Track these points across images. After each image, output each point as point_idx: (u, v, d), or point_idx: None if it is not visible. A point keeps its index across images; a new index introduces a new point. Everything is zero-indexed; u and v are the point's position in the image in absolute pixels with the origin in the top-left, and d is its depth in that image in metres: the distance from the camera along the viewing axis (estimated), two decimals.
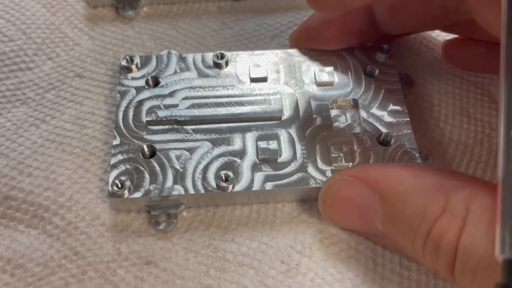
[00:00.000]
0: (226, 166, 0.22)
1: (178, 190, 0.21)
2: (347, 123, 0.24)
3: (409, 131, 0.23)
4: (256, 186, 0.21)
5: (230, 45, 0.27)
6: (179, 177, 0.21)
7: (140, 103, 0.23)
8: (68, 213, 0.22)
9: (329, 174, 0.22)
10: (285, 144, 0.23)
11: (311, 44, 0.25)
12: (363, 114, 0.23)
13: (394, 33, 0.25)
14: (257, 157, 0.22)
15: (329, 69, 0.25)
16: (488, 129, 0.25)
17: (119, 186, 0.21)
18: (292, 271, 0.20)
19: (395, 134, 0.23)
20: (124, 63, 0.24)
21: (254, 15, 0.29)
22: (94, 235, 0.21)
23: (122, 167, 0.22)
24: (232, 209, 0.22)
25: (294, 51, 0.25)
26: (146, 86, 0.24)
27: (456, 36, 0.26)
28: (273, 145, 0.22)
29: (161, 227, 0.21)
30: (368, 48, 0.25)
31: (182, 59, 0.25)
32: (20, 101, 0.25)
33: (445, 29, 0.25)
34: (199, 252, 0.21)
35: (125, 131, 0.23)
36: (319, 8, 0.22)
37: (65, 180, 0.23)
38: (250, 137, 0.23)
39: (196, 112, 0.23)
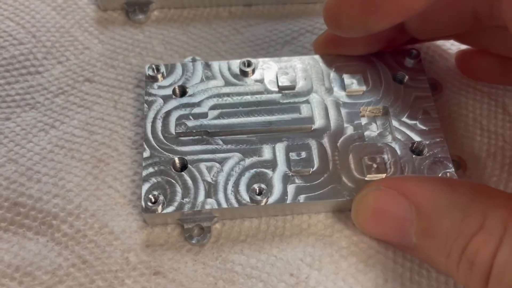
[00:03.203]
0: (258, 178, 0.22)
1: (211, 204, 0.21)
2: (378, 132, 0.23)
3: (441, 139, 0.23)
4: (289, 199, 0.21)
5: (241, 51, 0.27)
6: (212, 191, 0.21)
7: (168, 113, 0.23)
8: (77, 221, 0.22)
9: (363, 185, 0.21)
10: (317, 154, 0.22)
11: (337, 50, 0.25)
12: (394, 122, 0.23)
13: (422, 38, 0.25)
14: (289, 169, 0.22)
15: (358, 75, 0.24)
16: (502, 141, 0.24)
17: (153, 201, 0.21)
18: (302, 284, 0.20)
19: (427, 142, 0.22)
20: (150, 72, 0.24)
21: (266, 20, 0.28)
22: (102, 243, 0.21)
23: (154, 180, 0.21)
24: (241, 220, 0.22)
25: (321, 58, 0.25)
26: (173, 96, 0.24)
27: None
28: (305, 156, 0.22)
29: (194, 241, 0.21)
30: (396, 53, 0.25)
31: (208, 67, 0.25)
32: (30, 106, 0.25)
33: (461, 40, 0.25)
34: (208, 263, 0.21)
35: (154, 143, 0.22)
36: (341, 32, 0.22)
37: (74, 187, 0.22)
38: (280, 147, 0.22)
39: (225, 122, 0.23)
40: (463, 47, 0.26)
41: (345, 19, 0.21)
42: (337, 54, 0.25)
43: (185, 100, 0.24)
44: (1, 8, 0.28)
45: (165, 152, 0.22)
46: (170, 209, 0.21)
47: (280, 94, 0.24)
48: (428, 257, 0.19)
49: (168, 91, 0.24)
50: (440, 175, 0.22)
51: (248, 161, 0.22)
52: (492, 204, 0.17)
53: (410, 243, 0.19)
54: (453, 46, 0.27)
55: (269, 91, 0.24)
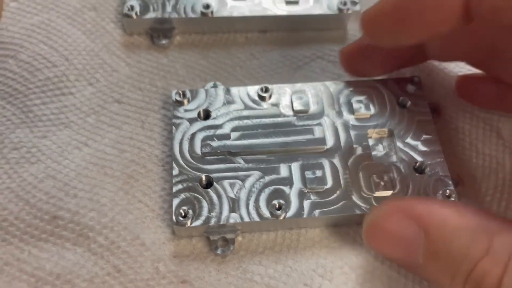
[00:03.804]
0: (277, 194, 0.24)
1: (235, 218, 0.23)
2: (384, 152, 0.26)
3: (442, 159, 0.25)
4: (306, 213, 0.23)
5: (257, 75, 0.29)
6: (236, 206, 0.24)
7: (194, 135, 0.26)
8: (111, 233, 0.24)
9: (372, 201, 0.24)
10: (330, 173, 0.25)
11: (361, 63, 0.27)
12: (398, 143, 0.26)
13: (440, 60, 0.27)
14: (305, 186, 0.24)
15: (366, 100, 0.27)
16: (495, 164, 0.27)
17: (183, 215, 0.23)
18: None
19: (429, 162, 0.25)
20: (177, 97, 0.26)
21: (280, 46, 0.31)
22: (134, 254, 0.23)
23: (183, 196, 0.24)
24: (259, 234, 0.24)
25: (332, 84, 0.28)
26: (198, 119, 0.26)
27: (470, 72, 0.28)
28: (319, 174, 0.24)
29: (219, 251, 0.23)
30: (399, 79, 0.28)
31: (228, 92, 0.27)
32: (64, 125, 0.27)
33: (474, 64, 0.27)
34: (230, 273, 0.23)
35: (182, 162, 0.25)
36: (373, 38, 0.23)
37: (108, 202, 0.25)
38: (296, 166, 0.25)
39: (246, 142, 0.25)
40: (463, 71, 0.29)
41: (379, 30, 0.23)
42: (348, 81, 0.28)
43: (209, 122, 0.26)
44: (35, 32, 0.30)
45: (192, 171, 0.24)
46: (198, 222, 0.23)
47: (295, 117, 0.26)
48: (433, 277, 0.20)
49: (194, 114, 0.26)
50: (441, 192, 0.24)
51: (267, 178, 0.24)
52: (499, 230, 0.18)
53: (416, 263, 0.20)
54: (451, 73, 0.29)
55: (284, 115, 0.27)
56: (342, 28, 0.31)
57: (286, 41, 0.31)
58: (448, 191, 0.24)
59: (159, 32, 0.30)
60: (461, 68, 0.29)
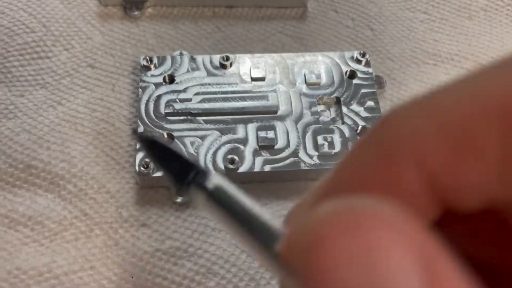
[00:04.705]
0: (232, 151, 0.27)
1: None
2: (331, 117, 0.29)
3: None
4: (257, 168, 0.26)
5: (221, 46, 0.32)
6: (194, 159, 0.26)
7: (159, 97, 0.28)
8: (79, 182, 0.26)
9: (316, 159, 0.26)
10: (281, 133, 0.27)
11: None
12: (344, 109, 0.28)
13: None
14: (257, 144, 0.27)
15: (317, 71, 0.29)
16: None
17: (145, 166, 0.26)
18: None
19: (370, 127, 0.28)
20: (144, 62, 0.29)
21: (244, 21, 0.33)
22: (100, 200, 0.26)
23: None
24: None
25: (288, 55, 0.30)
26: (163, 83, 0.29)
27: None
28: (270, 134, 0.27)
29: (179, 200, 0.26)
30: (349, 53, 0.30)
31: (193, 59, 0.29)
32: (40, 85, 0.29)
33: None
34: (186, 219, 0.26)
35: (147, 121, 0.27)
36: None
37: (78, 154, 0.27)
38: (251, 127, 0.27)
39: (206, 105, 0.28)
40: (409, 46, 0.31)
41: None
42: (303, 53, 0.30)
43: (173, 87, 0.28)
44: (15, 0, 0.32)
45: (155, 128, 0.27)
46: (159, 173, 0.26)
47: (252, 84, 0.29)
48: None
49: (159, 79, 0.29)
50: None
51: (224, 137, 0.27)
52: None
53: None
54: (397, 48, 0.32)
55: (243, 81, 0.29)
56: (303, 6, 0.34)
57: (250, 17, 0.33)
58: None
59: (132, 3, 0.32)
60: (410, 47, 0.32)
